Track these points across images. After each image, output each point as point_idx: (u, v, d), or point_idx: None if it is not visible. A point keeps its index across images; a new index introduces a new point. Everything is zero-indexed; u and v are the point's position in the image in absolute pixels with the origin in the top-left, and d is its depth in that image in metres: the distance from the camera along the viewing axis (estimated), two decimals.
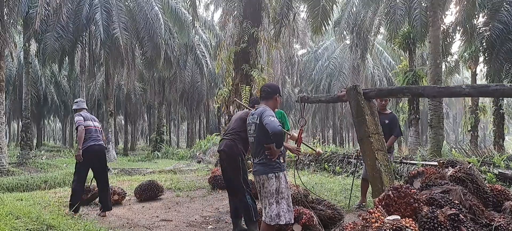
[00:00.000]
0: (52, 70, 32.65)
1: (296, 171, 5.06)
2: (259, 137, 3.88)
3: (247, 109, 5.03)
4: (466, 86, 4.23)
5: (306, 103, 5.91)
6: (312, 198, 5.49)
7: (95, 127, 6.45)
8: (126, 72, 23.74)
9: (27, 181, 10.74)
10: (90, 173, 6.49)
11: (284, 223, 3.82)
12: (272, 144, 3.80)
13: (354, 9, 19.42)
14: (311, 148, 6.86)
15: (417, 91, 4.92)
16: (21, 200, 7.17)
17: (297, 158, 4.85)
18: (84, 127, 6.29)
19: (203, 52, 28.94)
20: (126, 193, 7.63)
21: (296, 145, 4.73)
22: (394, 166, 9.09)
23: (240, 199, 4.90)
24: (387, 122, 6.37)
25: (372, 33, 20.32)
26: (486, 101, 24.91)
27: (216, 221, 5.98)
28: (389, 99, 6.97)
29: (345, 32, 21.28)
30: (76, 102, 6.80)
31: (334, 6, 13.71)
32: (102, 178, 6.43)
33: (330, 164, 12.61)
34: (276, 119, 3.78)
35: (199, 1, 26.04)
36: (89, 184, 7.45)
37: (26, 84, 20.57)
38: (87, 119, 6.42)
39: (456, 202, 3.56)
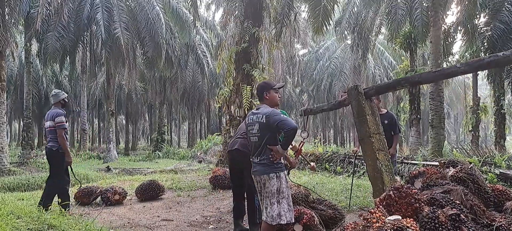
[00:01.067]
0: (53, 70, 32.68)
1: (287, 175, 5.03)
2: (263, 137, 3.86)
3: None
4: (460, 65, 4.24)
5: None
6: (313, 198, 5.49)
7: (48, 128, 6.30)
8: (127, 72, 23.78)
9: (28, 181, 10.76)
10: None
11: (285, 222, 3.82)
12: (276, 145, 3.80)
13: (355, 9, 19.42)
14: (307, 161, 6.84)
15: (414, 80, 4.97)
16: (22, 199, 7.19)
17: (290, 167, 4.88)
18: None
19: (204, 52, 28.96)
20: (127, 193, 7.64)
21: (294, 157, 4.76)
22: (397, 167, 9.10)
23: (250, 200, 4.92)
24: (386, 122, 6.35)
25: (373, 33, 20.32)
26: (487, 101, 24.87)
27: (217, 221, 5.98)
28: (381, 100, 6.95)
29: (346, 32, 21.28)
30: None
31: (335, 6, 13.70)
32: (49, 177, 6.38)
33: (331, 164, 12.61)
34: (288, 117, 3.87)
35: (200, 1, 26.06)
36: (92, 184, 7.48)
37: (27, 84, 20.59)
38: (47, 119, 6.36)
39: (457, 202, 3.56)
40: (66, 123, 6.27)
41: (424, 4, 15.34)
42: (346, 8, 20.05)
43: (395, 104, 24.84)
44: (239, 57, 12.12)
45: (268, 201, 3.83)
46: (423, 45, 17.40)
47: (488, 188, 4.21)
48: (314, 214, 4.64)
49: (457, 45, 57.91)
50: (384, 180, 4.50)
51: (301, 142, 4.88)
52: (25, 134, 20.92)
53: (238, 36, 12.33)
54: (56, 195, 6.22)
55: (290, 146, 4.84)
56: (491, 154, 10.13)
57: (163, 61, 23.11)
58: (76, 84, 33.40)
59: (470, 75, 25.03)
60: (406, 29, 16.86)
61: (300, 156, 4.93)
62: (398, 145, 6.43)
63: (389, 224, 2.91)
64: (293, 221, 3.98)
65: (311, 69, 36.66)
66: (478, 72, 20.58)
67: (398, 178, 4.23)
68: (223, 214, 6.42)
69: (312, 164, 5.61)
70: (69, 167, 6.38)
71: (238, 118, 11.84)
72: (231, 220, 5.37)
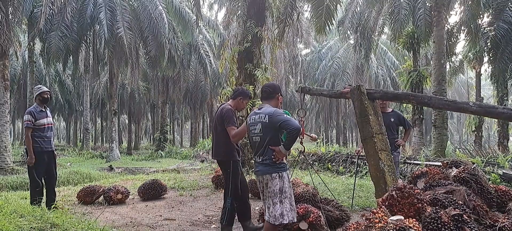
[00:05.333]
0: (56, 69, 32.77)
1: (302, 154, 5.07)
2: (266, 137, 3.84)
3: (224, 106, 5.06)
4: (473, 104, 4.21)
5: (306, 95, 5.92)
6: (320, 198, 5.50)
7: None
8: (130, 71, 23.81)
9: None
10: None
11: (287, 222, 3.81)
12: (279, 146, 3.79)
13: (358, 9, 19.37)
14: (310, 135, 6.79)
15: (423, 101, 4.80)
16: (25, 198, 7.20)
17: (302, 150, 4.85)
18: None
19: (207, 51, 28.95)
20: (129, 192, 7.65)
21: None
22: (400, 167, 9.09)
23: (224, 200, 5.04)
24: (393, 119, 6.38)
25: (376, 33, 20.26)
26: (490, 102, 24.78)
27: (220, 221, 5.99)
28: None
29: (349, 32, 21.23)
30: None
31: (338, 5, 13.66)
32: None
33: (333, 163, 12.60)
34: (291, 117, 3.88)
35: (203, 1, 26.12)
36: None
37: (31, 83, 20.62)
38: None
39: (460, 202, 3.55)
40: (30, 121, 6.01)
41: (427, 4, 15.29)
42: (348, 8, 19.99)
43: (397, 105, 24.78)
44: (241, 57, 12.11)
45: (270, 200, 3.82)
46: (426, 45, 17.36)
47: (491, 189, 4.20)
48: (321, 214, 4.63)
49: (460, 45, 57.84)
50: (386, 180, 4.49)
51: (301, 121, 4.90)
52: None
53: (241, 35, 12.31)
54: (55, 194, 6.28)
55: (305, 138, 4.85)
56: (494, 154, 10.12)
57: (165, 61, 23.13)
58: (79, 83, 33.44)
59: (473, 75, 25.00)
60: (409, 29, 16.82)
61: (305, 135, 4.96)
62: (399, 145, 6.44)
63: (391, 224, 2.90)
64: (295, 220, 3.98)
65: (313, 69, 36.62)
66: (481, 72, 20.57)
67: (400, 180, 4.22)
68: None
69: (313, 135, 5.64)
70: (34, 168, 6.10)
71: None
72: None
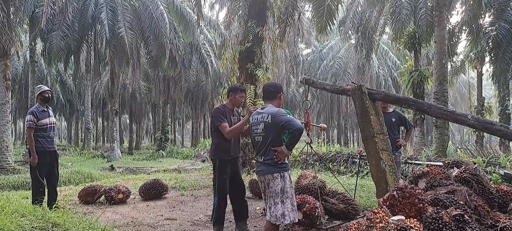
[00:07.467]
0: (57, 69, 32.81)
1: (315, 170, 5.06)
2: (268, 137, 3.84)
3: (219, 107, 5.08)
4: (471, 117, 4.23)
5: (310, 88, 5.91)
6: (328, 191, 5.50)
7: None
8: (131, 71, 23.83)
9: None
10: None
11: (288, 222, 3.81)
12: (281, 146, 3.79)
13: (359, 9, 19.36)
14: (318, 126, 6.79)
15: (423, 108, 4.85)
16: (27, 198, 7.21)
17: (310, 142, 4.83)
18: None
19: (208, 51, 28.94)
20: (130, 192, 7.66)
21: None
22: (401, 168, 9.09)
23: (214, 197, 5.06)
24: (394, 119, 6.38)
25: (377, 33, 20.24)
26: (492, 102, 24.75)
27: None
28: None
29: (350, 32, 21.21)
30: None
31: (339, 5, 13.66)
32: None
33: (334, 163, 12.58)
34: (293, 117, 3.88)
35: (204, 1, 26.03)
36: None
37: (32, 83, 20.67)
38: None
39: (461, 202, 3.55)
40: (33, 121, 6.01)
41: (429, 4, 15.28)
42: (350, 7, 19.99)
43: None
44: (242, 57, 12.11)
45: (272, 200, 3.82)
46: (428, 45, 17.34)
47: (493, 189, 4.20)
48: (317, 205, 4.63)
49: (462, 45, 57.71)
50: (387, 180, 4.49)
51: (306, 113, 4.90)
52: None
53: (242, 35, 12.31)
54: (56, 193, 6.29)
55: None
56: (495, 154, 10.09)
57: (167, 61, 23.15)
58: (80, 83, 33.47)
59: (474, 75, 24.96)
60: (411, 29, 16.80)
61: (312, 126, 4.97)
62: (401, 145, 6.43)
63: (392, 224, 2.90)
64: (297, 221, 3.98)
65: (314, 69, 36.60)
66: (483, 72, 20.56)
67: (401, 180, 4.23)
68: (226, 213, 6.41)
69: (321, 124, 5.63)
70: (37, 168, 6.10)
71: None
72: (234, 220, 5.40)
